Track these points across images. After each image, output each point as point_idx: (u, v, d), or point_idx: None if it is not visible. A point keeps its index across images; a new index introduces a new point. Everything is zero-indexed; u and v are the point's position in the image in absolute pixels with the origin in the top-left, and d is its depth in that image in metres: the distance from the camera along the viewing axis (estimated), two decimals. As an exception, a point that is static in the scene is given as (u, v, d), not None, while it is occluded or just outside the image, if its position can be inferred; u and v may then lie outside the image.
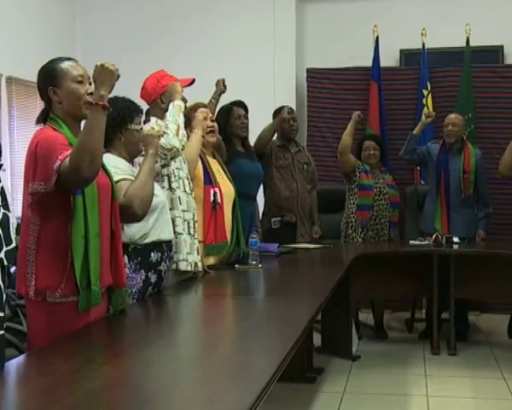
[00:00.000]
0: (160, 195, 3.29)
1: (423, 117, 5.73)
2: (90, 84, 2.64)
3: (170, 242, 3.34)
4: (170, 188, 3.58)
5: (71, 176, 2.43)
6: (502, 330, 5.76)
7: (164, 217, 3.27)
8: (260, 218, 5.48)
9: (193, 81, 3.84)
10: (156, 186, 3.22)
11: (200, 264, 3.72)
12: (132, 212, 2.93)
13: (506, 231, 6.29)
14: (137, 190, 2.96)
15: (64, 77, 2.62)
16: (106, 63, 2.51)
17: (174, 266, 3.50)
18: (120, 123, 3.05)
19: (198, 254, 3.72)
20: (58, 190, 2.49)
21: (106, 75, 2.50)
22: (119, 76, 2.55)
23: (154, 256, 3.18)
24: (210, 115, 4.25)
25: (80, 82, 2.63)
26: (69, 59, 2.69)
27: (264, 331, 2.65)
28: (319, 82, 6.92)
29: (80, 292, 2.53)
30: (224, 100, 5.04)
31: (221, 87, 4.91)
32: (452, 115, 5.75)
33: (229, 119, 4.97)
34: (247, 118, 5.07)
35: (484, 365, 4.95)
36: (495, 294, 5.35)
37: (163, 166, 3.53)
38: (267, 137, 5.37)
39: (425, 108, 6.36)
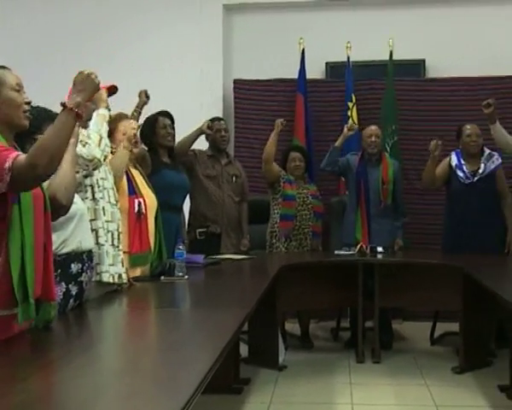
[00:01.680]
0: (79, 202, 3.22)
1: (345, 130, 5.82)
2: (25, 92, 2.61)
3: (90, 252, 3.28)
4: (93, 198, 3.53)
5: (26, 171, 2.36)
6: (424, 337, 5.90)
7: (83, 225, 3.19)
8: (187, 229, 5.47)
9: (116, 90, 3.79)
10: (75, 195, 3.17)
11: (124, 276, 3.67)
12: (57, 202, 2.84)
13: (428, 240, 6.44)
14: (60, 180, 2.87)
15: (2, 85, 2.55)
16: (92, 74, 2.53)
17: (97, 277, 3.45)
18: (33, 132, 2.97)
19: (123, 265, 3.67)
20: None
21: (88, 85, 2.52)
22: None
23: (74, 267, 3.11)
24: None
25: (18, 90, 2.58)
26: (3, 67, 2.63)
27: (190, 343, 2.64)
28: (246, 93, 6.96)
29: (19, 305, 2.47)
30: (151, 111, 5.01)
31: (143, 98, 4.87)
32: (373, 127, 5.87)
33: (155, 129, 4.96)
34: (173, 128, 5.05)
35: (407, 372, 5.04)
36: (417, 302, 5.45)
37: (85, 177, 3.48)
38: (184, 146, 5.33)
39: (349, 121, 6.47)
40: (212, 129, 5.45)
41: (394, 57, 6.70)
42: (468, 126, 5.60)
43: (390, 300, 5.35)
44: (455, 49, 6.92)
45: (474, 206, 5.45)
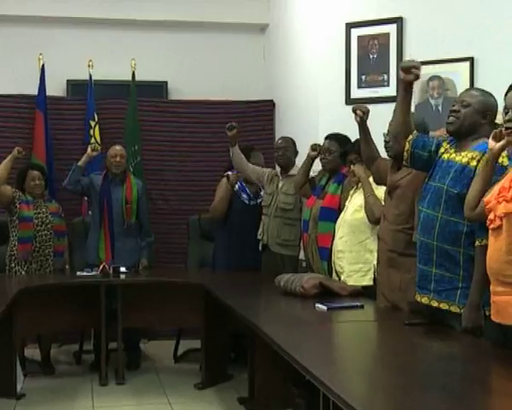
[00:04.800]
0: None
1: (89, 150, 5.79)
2: None
3: None
4: None
5: None
6: (168, 355, 5.94)
7: None
8: None
9: None
10: None
11: None
12: None
13: (172, 260, 6.52)
14: None
15: None
16: None
17: None
18: None
19: None
20: None
21: None
22: None
23: None
24: None
25: None
26: None
27: None
28: (-20, 108, 6.59)
29: None
30: None
31: None
32: (118, 147, 5.82)
33: None
34: None
35: (150, 391, 5.06)
36: (161, 321, 5.50)
37: None
38: None
39: (92, 140, 6.39)
40: None
41: (137, 78, 6.72)
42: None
43: (134, 320, 5.33)
44: (196, 73, 7.12)
45: (253, 225, 5.55)
